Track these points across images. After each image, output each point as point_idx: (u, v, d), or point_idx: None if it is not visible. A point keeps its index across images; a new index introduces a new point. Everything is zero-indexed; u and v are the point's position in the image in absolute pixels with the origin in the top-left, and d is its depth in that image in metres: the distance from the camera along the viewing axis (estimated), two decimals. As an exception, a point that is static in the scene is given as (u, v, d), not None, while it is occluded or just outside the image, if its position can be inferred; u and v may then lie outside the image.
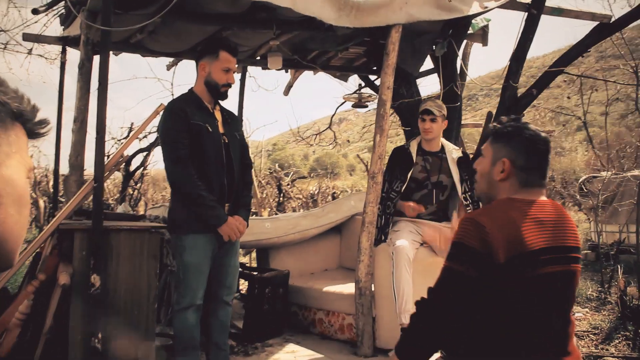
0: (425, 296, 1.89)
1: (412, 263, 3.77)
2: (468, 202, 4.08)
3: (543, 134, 1.93)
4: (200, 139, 3.15)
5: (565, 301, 1.87)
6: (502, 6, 4.13)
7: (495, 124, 2.03)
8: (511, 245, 1.73)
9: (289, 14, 4.36)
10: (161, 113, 3.28)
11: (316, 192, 14.94)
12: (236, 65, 3.32)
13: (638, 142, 9.25)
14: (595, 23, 4.85)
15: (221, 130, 3.30)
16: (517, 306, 1.76)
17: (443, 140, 4.24)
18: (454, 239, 1.84)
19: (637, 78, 5.47)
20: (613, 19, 4.88)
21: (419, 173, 4.12)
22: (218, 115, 3.35)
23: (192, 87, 3.34)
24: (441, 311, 1.81)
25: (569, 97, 8.98)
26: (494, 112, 5.04)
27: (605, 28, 4.84)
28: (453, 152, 4.19)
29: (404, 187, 4.05)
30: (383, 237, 4.03)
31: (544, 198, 1.92)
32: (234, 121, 3.47)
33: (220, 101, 3.40)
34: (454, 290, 1.79)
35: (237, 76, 6.60)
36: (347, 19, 3.53)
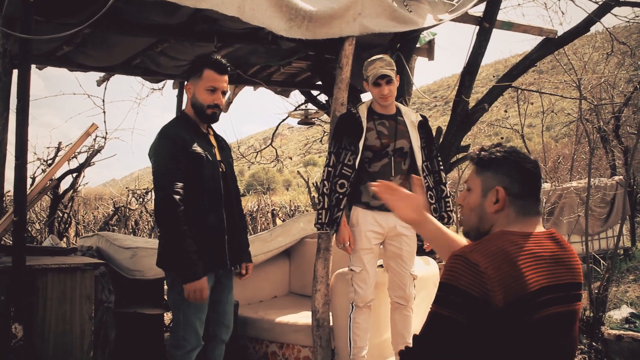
0: (410, 343, 1.65)
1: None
2: (425, 173, 3.61)
3: (532, 157, 1.77)
4: (200, 169, 2.90)
5: (569, 345, 1.66)
6: (455, 19, 4.02)
7: (475, 152, 1.81)
8: (511, 287, 1.50)
9: (231, 25, 4.09)
10: (157, 139, 2.93)
11: (255, 209, 14.50)
12: (226, 84, 3.03)
13: (572, 153, 9.50)
14: (542, 38, 4.88)
15: (218, 157, 3.06)
16: (516, 356, 1.53)
17: (397, 103, 3.74)
18: (441, 279, 1.59)
19: (579, 91, 5.53)
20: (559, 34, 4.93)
21: (375, 140, 3.54)
22: (213, 140, 3.11)
23: (183, 109, 3.12)
24: None
25: (506, 111, 9.16)
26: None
27: (550, 43, 4.88)
28: (412, 115, 3.69)
29: (357, 161, 3.49)
30: (328, 222, 3.47)
31: (541, 228, 1.72)
32: (227, 147, 3.24)
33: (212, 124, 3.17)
34: (443, 339, 1.54)
35: (173, 92, 6.28)
36: (298, 31, 3.28)
